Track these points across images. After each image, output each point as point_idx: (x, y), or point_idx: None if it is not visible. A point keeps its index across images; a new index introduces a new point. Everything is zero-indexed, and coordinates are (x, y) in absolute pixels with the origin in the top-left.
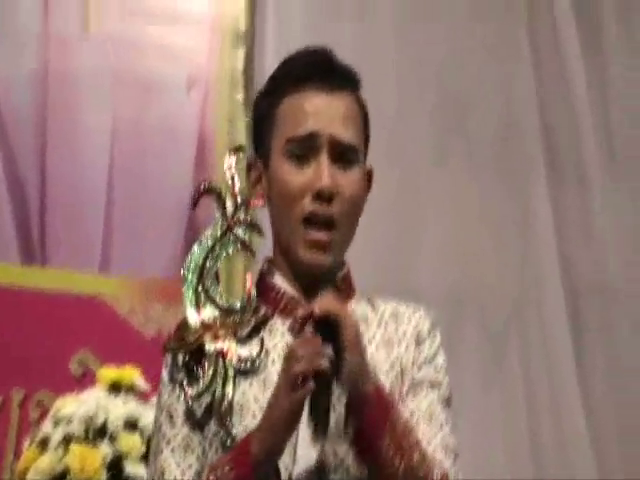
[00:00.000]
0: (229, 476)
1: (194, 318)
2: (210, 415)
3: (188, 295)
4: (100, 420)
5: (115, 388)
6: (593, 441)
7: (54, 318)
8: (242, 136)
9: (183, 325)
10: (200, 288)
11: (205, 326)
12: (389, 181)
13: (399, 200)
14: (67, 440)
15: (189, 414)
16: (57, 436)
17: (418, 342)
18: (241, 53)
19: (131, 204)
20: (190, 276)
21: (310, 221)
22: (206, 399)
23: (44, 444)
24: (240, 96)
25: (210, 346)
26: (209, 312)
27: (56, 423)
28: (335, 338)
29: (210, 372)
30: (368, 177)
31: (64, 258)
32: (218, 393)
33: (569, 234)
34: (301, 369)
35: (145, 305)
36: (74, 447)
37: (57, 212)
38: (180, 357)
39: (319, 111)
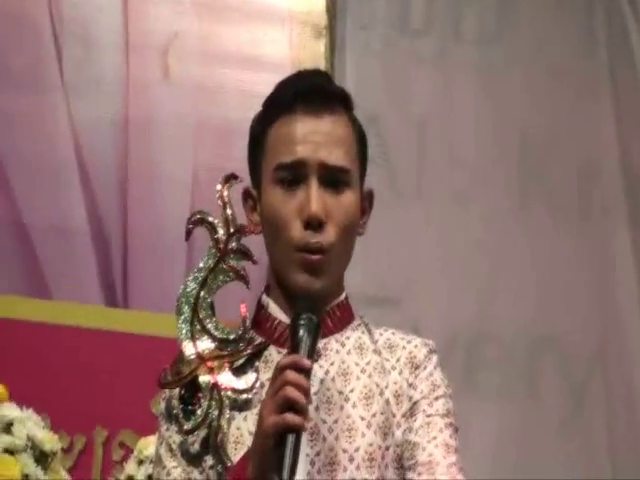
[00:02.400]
0: None
1: (190, 351)
2: (207, 448)
3: (183, 328)
4: None
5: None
6: None
7: (137, 359)
8: None
9: (179, 358)
10: (195, 320)
11: (201, 358)
12: (469, 226)
13: (478, 245)
14: None
15: (187, 447)
16: (140, 476)
17: (413, 366)
18: None
19: None
20: (185, 308)
21: (302, 248)
22: (202, 432)
23: None
24: None
25: (204, 378)
26: (205, 344)
27: (139, 463)
28: None
29: (205, 405)
30: (369, 199)
31: (146, 302)
32: (214, 425)
33: None
34: (294, 397)
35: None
36: None
37: (139, 257)
38: (176, 390)
39: (307, 136)
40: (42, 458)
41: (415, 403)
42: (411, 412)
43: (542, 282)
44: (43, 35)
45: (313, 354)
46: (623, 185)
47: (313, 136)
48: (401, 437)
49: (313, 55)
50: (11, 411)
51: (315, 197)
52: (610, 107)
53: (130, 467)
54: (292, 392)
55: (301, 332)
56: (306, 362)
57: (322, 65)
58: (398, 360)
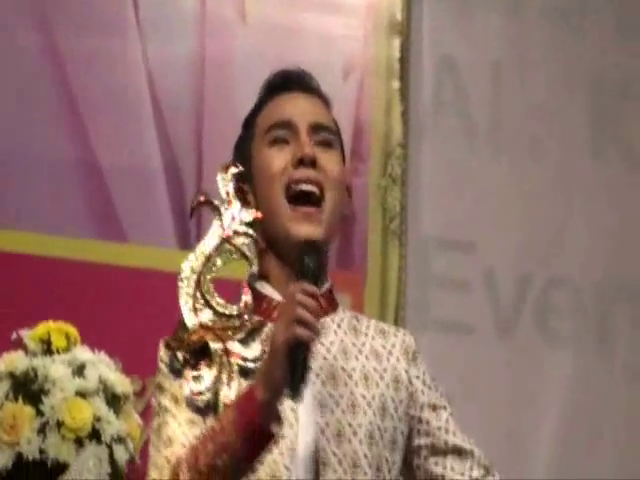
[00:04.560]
0: (232, 423)
1: (192, 321)
2: (210, 410)
3: (185, 300)
4: None
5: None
6: None
7: None
8: (398, 124)
9: (181, 328)
10: (198, 294)
11: (205, 328)
12: (543, 171)
13: (552, 190)
14: None
15: (192, 402)
16: None
17: (410, 358)
18: (397, 41)
19: None
20: (186, 282)
21: (297, 198)
22: (208, 396)
23: None
24: (396, 84)
25: (215, 345)
26: (206, 316)
27: None
28: None
29: (215, 371)
30: (348, 192)
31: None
32: (225, 391)
33: None
34: (303, 315)
35: None
36: None
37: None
38: (180, 354)
39: (298, 103)
40: (114, 401)
41: (422, 394)
42: (420, 405)
43: (616, 229)
44: None
45: (318, 282)
46: None
47: (301, 103)
48: (409, 426)
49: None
50: (83, 354)
51: (306, 141)
52: None
53: None
54: (301, 311)
55: (306, 260)
56: (313, 288)
57: (399, 9)
58: (393, 346)
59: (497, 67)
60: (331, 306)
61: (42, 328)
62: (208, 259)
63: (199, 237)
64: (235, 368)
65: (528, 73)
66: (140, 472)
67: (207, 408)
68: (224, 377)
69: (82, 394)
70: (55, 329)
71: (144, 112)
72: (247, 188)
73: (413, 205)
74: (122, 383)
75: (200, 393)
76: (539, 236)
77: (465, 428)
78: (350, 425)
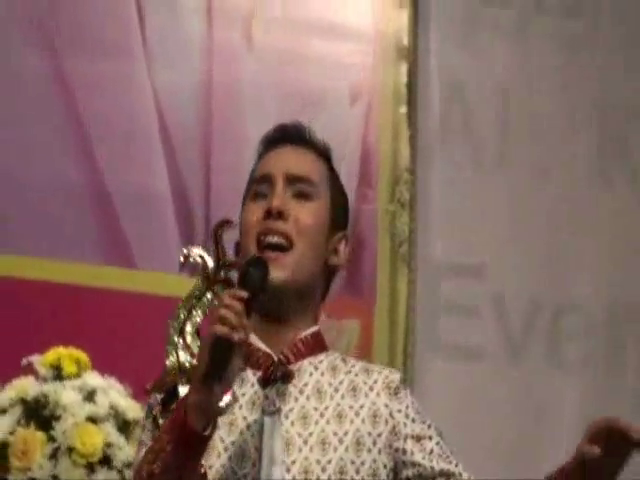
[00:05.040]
0: (165, 425)
1: (171, 359)
2: None
3: (170, 352)
4: None
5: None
6: None
7: None
8: (405, 149)
9: (164, 371)
10: (180, 342)
11: (182, 370)
12: (551, 196)
13: (560, 215)
14: None
15: None
16: None
17: (391, 392)
18: (404, 67)
19: None
20: (176, 322)
21: (264, 245)
22: None
23: None
24: (403, 109)
25: (182, 389)
26: (184, 357)
27: None
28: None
29: None
30: (344, 241)
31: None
32: None
33: None
34: (225, 315)
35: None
36: None
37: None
38: (157, 395)
39: (281, 156)
40: (125, 427)
41: (404, 427)
42: (403, 437)
43: (624, 252)
44: (127, 0)
45: (259, 293)
46: None
47: (286, 156)
48: (394, 459)
49: (396, 25)
50: (93, 380)
51: (277, 194)
52: None
53: None
54: (223, 310)
55: (250, 270)
56: (241, 293)
57: (405, 35)
58: (375, 382)
59: (504, 92)
60: (314, 349)
61: (53, 354)
62: (191, 311)
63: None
64: None
65: (535, 98)
66: None
67: None
68: None
69: (93, 420)
70: (66, 355)
71: (152, 138)
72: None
73: (422, 230)
74: (132, 409)
75: None
76: (548, 261)
77: (474, 451)
78: (318, 462)
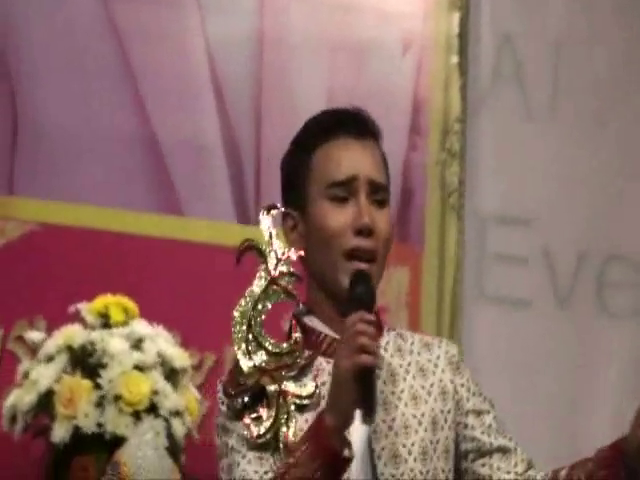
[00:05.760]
0: (307, 453)
1: (247, 364)
2: (271, 449)
3: (239, 345)
4: None
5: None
6: None
7: None
8: (456, 99)
9: (238, 371)
10: (250, 337)
11: (260, 370)
12: (602, 148)
13: (610, 167)
14: None
15: (256, 443)
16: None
17: (454, 367)
18: (456, 17)
19: None
20: (239, 328)
21: (353, 255)
22: (268, 437)
23: None
24: (455, 60)
25: (271, 387)
26: (260, 358)
27: None
28: None
29: (273, 412)
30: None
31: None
32: (282, 429)
33: None
34: (366, 343)
35: None
36: None
37: (273, 175)
38: (239, 399)
39: (355, 156)
40: (172, 375)
41: (467, 401)
42: (465, 412)
43: None
44: None
45: (372, 309)
46: None
47: (361, 156)
48: (455, 432)
49: None
50: (141, 328)
51: (366, 209)
52: None
53: None
54: (364, 339)
55: (359, 290)
56: (370, 316)
57: None
58: (438, 358)
59: (557, 43)
60: (378, 329)
61: (100, 302)
62: (257, 302)
63: (257, 211)
64: (292, 408)
65: (589, 49)
66: (198, 445)
67: (269, 447)
68: (282, 417)
69: (140, 368)
70: (113, 303)
71: (203, 87)
72: (294, 222)
73: (471, 180)
74: (180, 357)
75: (260, 435)
76: (597, 212)
77: (521, 401)
78: (404, 446)
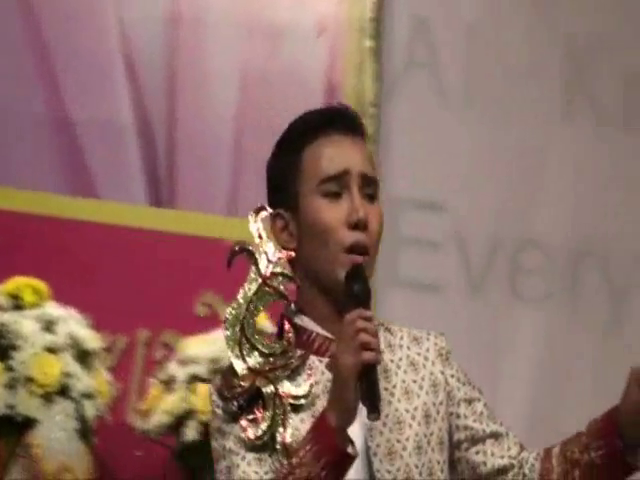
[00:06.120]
0: (312, 452)
1: (241, 367)
2: (269, 450)
3: (232, 347)
4: (226, 361)
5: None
6: None
7: (180, 260)
8: (370, 83)
9: (232, 374)
10: (243, 340)
11: (254, 372)
12: (515, 133)
13: (523, 152)
14: (192, 380)
15: (254, 445)
16: (182, 376)
17: (443, 358)
18: (370, 1)
19: (258, 147)
20: (232, 330)
21: (352, 250)
22: (266, 438)
23: (169, 384)
24: (369, 44)
25: (267, 389)
26: (254, 360)
27: (182, 363)
28: None
29: (269, 413)
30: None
31: (191, 200)
32: (280, 434)
33: None
34: (368, 340)
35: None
36: (199, 387)
37: (185, 155)
38: (234, 402)
39: (346, 151)
40: (83, 357)
41: (458, 391)
42: (457, 401)
43: (585, 189)
44: None
45: (369, 305)
46: None
47: (351, 151)
48: (448, 423)
49: None
50: (53, 310)
51: (360, 203)
52: None
53: (172, 367)
54: (365, 336)
55: (356, 288)
56: (369, 312)
57: None
58: (428, 350)
59: (471, 27)
60: None
61: (12, 284)
62: (249, 304)
63: (171, 193)
64: (288, 408)
65: (502, 34)
66: (109, 428)
67: (267, 449)
68: (279, 418)
69: (51, 350)
70: (25, 285)
71: (117, 68)
72: (285, 222)
73: (385, 164)
74: (92, 339)
75: (258, 437)
76: (510, 197)
77: None
78: (399, 441)
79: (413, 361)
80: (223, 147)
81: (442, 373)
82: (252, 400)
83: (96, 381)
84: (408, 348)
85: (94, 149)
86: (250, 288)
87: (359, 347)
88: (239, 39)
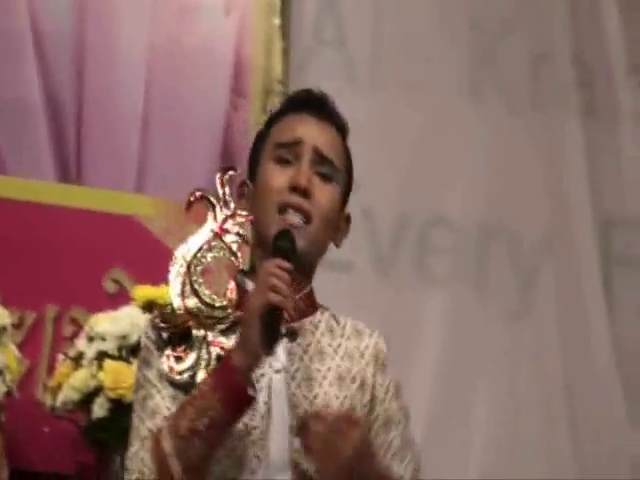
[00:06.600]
0: (209, 385)
1: (178, 304)
2: (188, 391)
3: (174, 284)
4: (134, 338)
5: (149, 307)
6: (623, 377)
7: (88, 236)
8: (278, 61)
9: (169, 309)
10: (186, 281)
11: (190, 313)
12: (421, 113)
13: (430, 132)
14: (101, 357)
15: (173, 381)
16: (91, 353)
17: (379, 364)
18: None
19: (167, 125)
20: (177, 267)
21: (285, 210)
22: (186, 377)
23: (78, 360)
24: (277, 21)
25: (197, 332)
26: (192, 303)
27: (90, 340)
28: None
29: (194, 355)
30: (347, 220)
31: (100, 177)
32: (201, 375)
33: (600, 166)
34: (276, 284)
35: (180, 226)
36: (108, 364)
37: (94, 131)
38: (164, 334)
39: (309, 127)
40: None
41: (386, 421)
42: (375, 414)
43: (493, 169)
44: None
45: (291, 261)
46: (575, 74)
47: (313, 128)
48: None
49: None
50: None
51: (305, 171)
52: None
53: (80, 343)
54: (274, 279)
55: (279, 242)
56: (284, 262)
57: None
58: (367, 348)
59: (378, 5)
60: (310, 308)
61: None
62: (199, 250)
63: (79, 170)
64: (213, 356)
65: (409, 12)
66: (17, 405)
67: (185, 388)
68: (202, 362)
69: None
70: None
71: (24, 46)
72: (247, 189)
73: None
74: (1, 315)
75: (179, 373)
76: (419, 176)
77: None
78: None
79: (350, 352)
80: (131, 124)
81: (373, 376)
82: (182, 340)
83: (5, 357)
84: (348, 338)
85: (3, 126)
86: (202, 235)
87: (268, 289)
88: (147, 16)
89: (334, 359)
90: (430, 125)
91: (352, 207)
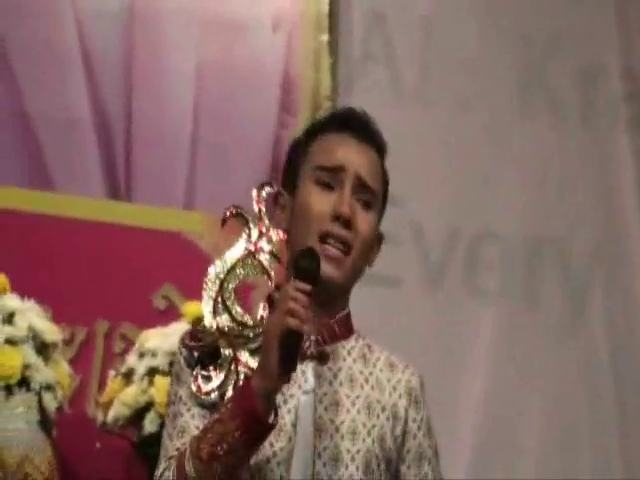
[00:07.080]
0: (229, 410)
1: (210, 322)
2: (216, 411)
3: (207, 302)
4: None
5: (199, 323)
6: None
7: (138, 253)
8: (326, 77)
9: (201, 328)
10: (219, 299)
11: (220, 332)
12: (471, 128)
13: (480, 147)
14: (151, 373)
15: (202, 400)
16: (142, 369)
17: (412, 399)
18: None
19: (216, 143)
20: (210, 286)
21: (325, 240)
22: (214, 397)
23: (128, 376)
24: (325, 38)
25: (225, 351)
26: (223, 321)
27: (141, 356)
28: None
29: (222, 375)
30: (379, 240)
31: (149, 195)
32: (228, 396)
33: None
34: (294, 307)
35: (229, 242)
36: (158, 380)
37: (143, 149)
38: (195, 353)
39: (350, 151)
40: (43, 349)
41: (418, 457)
42: (407, 449)
43: (543, 184)
44: None
45: (314, 283)
46: (624, 88)
47: (355, 153)
48: (396, 465)
49: None
50: (12, 302)
51: (348, 200)
52: (613, 9)
53: (131, 359)
54: (292, 304)
55: (301, 262)
56: (304, 285)
57: None
58: (399, 382)
59: (427, 21)
60: (345, 332)
61: None
62: (232, 268)
63: (127, 186)
64: (242, 376)
65: (457, 28)
66: (69, 421)
67: (214, 407)
68: (230, 382)
69: (11, 342)
70: None
71: (74, 62)
72: (282, 199)
73: None
74: (52, 331)
75: (207, 393)
76: (468, 191)
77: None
78: (348, 451)
79: (381, 383)
80: (180, 141)
81: (406, 410)
82: (212, 358)
83: (56, 373)
84: (381, 370)
85: (52, 142)
86: (235, 252)
87: (285, 313)
88: (194, 34)
89: (364, 388)
90: (479, 140)
91: (401, 222)
